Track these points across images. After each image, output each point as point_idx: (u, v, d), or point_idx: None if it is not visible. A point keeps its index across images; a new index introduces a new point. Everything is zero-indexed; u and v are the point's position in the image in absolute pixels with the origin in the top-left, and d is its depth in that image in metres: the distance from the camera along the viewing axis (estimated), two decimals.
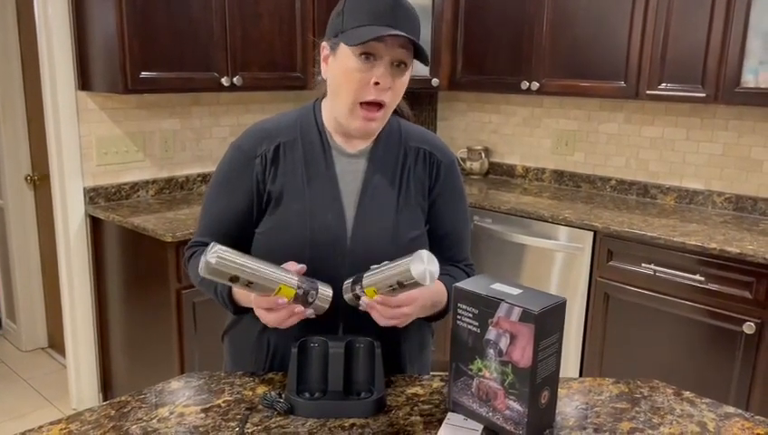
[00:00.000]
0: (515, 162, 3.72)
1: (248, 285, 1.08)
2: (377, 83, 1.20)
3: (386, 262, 1.13)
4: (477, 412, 1.13)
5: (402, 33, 1.16)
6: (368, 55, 1.19)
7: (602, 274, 2.75)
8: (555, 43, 3.06)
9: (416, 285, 1.08)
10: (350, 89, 1.22)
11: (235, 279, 1.07)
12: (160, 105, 3.07)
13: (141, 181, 3.05)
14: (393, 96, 1.24)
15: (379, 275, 1.13)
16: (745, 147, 2.93)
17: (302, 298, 1.13)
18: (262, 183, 1.31)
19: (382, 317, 1.16)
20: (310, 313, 1.15)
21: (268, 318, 1.16)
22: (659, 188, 3.19)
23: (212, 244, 1.08)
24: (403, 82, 1.25)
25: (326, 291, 1.16)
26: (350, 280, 1.18)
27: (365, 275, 1.15)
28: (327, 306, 1.16)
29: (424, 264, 1.08)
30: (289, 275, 1.13)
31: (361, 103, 1.23)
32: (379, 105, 1.23)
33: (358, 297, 1.16)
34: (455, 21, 3.38)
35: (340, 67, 1.23)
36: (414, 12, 1.23)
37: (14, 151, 3.47)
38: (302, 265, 1.17)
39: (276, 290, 1.10)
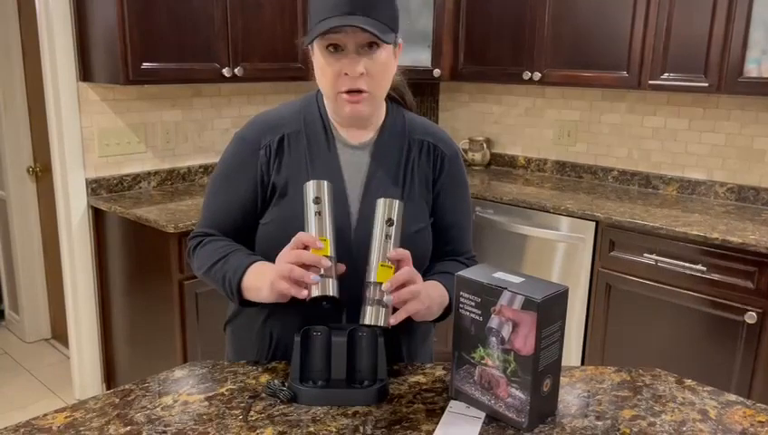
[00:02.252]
0: (517, 153, 3.71)
1: (318, 213, 1.14)
2: (346, 74, 1.20)
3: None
4: (480, 400, 1.13)
5: (350, 24, 1.14)
6: (333, 46, 1.20)
7: (604, 264, 2.75)
8: (557, 33, 3.05)
9: (397, 204, 1.17)
10: (326, 83, 1.24)
11: (317, 201, 1.15)
12: (162, 96, 3.07)
13: (143, 173, 3.06)
14: (372, 80, 1.22)
15: (373, 252, 1.15)
16: (748, 137, 2.92)
17: (328, 267, 1.12)
18: (266, 174, 1.30)
19: (409, 287, 1.14)
20: (315, 279, 1.10)
21: (283, 265, 1.11)
22: (661, 178, 3.19)
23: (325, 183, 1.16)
24: (378, 63, 1.21)
25: (336, 285, 1.13)
26: (366, 300, 1.13)
27: (368, 276, 1.14)
28: (326, 294, 1.12)
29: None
30: (334, 246, 1.15)
31: (341, 92, 1.23)
32: (358, 90, 1.22)
33: (380, 301, 1.12)
34: (456, 11, 3.37)
35: (316, 63, 1.25)
36: None
37: (16, 143, 3.47)
38: (342, 265, 1.16)
39: (321, 238, 1.13)
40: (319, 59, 1.23)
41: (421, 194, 1.34)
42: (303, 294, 1.11)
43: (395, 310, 1.14)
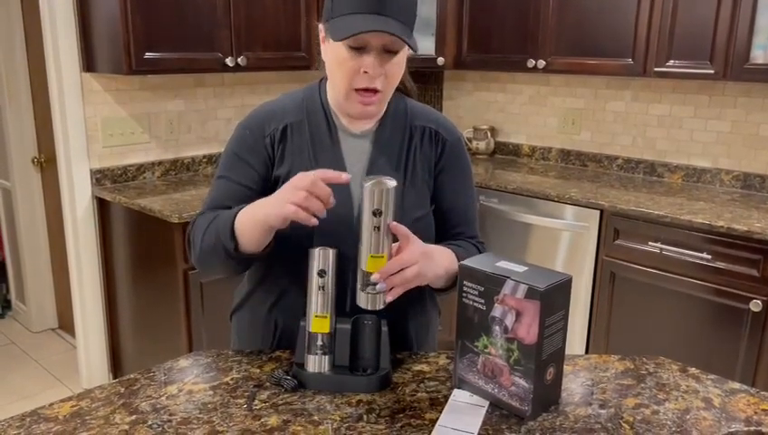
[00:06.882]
0: (522, 141, 3.70)
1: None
2: (366, 71, 1.19)
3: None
4: (483, 389, 1.13)
5: (385, 30, 1.13)
6: (356, 45, 1.18)
7: (609, 253, 2.75)
8: (561, 20, 3.03)
9: (385, 190, 1.09)
10: (342, 76, 1.22)
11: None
12: (165, 87, 3.07)
13: (147, 163, 3.06)
14: (387, 81, 1.23)
15: (362, 242, 1.12)
16: (754, 124, 2.90)
17: (324, 343, 1.18)
18: (270, 163, 1.31)
19: (403, 273, 1.12)
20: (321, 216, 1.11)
21: (296, 192, 1.09)
22: (666, 166, 3.17)
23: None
24: (396, 64, 1.22)
25: (330, 360, 1.19)
26: (360, 286, 1.14)
27: (359, 263, 1.14)
28: (322, 371, 1.18)
29: (373, 177, 1.12)
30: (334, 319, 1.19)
31: (356, 89, 1.22)
32: (374, 90, 1.22)
33: (373, 287, 1.12)
34: None
35: (332, 54, 1.23)
36: None
37: (20, 134, 3.48)
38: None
39: (323, 315, 1.17)
40: (337, 52, 1.20)
41: (423, 180, 1.34)
42: (313, 221, 1.10)
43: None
